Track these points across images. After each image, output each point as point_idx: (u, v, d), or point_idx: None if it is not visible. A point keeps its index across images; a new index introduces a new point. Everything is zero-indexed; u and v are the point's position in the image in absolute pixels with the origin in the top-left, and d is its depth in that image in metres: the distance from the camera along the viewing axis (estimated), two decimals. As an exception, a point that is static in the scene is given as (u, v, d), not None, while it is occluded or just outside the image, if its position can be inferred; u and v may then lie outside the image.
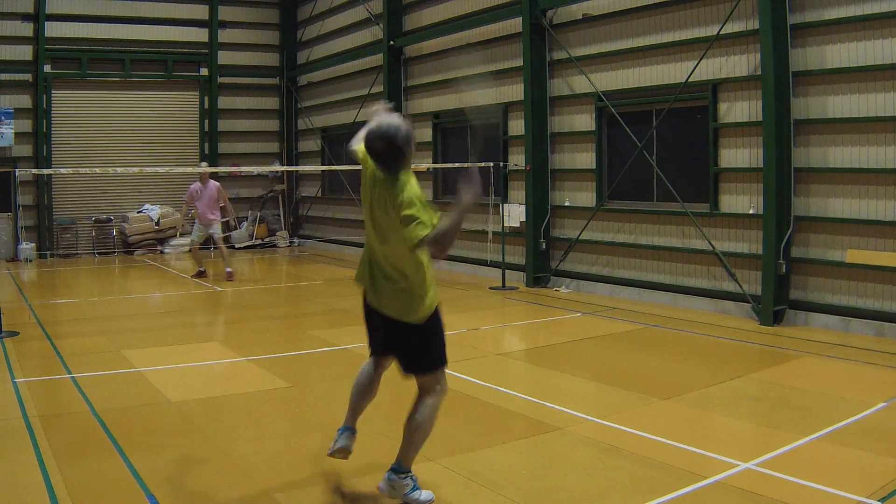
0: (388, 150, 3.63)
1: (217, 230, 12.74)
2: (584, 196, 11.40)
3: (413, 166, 3.86)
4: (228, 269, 12.75)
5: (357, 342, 7.96)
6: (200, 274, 13.06)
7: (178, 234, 16.73)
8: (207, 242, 13.71)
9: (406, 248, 3.61)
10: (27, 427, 5.14)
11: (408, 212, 3.54)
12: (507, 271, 11.89)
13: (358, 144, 3.97)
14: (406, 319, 3.76)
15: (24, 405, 5.63)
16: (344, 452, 4.10)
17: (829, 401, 5.77)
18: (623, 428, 5.10)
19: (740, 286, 9.13)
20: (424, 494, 3.90)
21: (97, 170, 15.47)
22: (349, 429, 4.13)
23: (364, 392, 4.15)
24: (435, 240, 3.50)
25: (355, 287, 4.03)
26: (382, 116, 3.80)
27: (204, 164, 15.50)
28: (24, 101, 16.33)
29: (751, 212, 9.08)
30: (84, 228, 17.09)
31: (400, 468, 3.87)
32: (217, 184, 12.80)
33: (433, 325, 3.84)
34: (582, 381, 6.31)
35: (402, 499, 3.88)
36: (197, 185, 12.70)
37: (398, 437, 3.93)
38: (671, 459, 4.56)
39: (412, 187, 3.63)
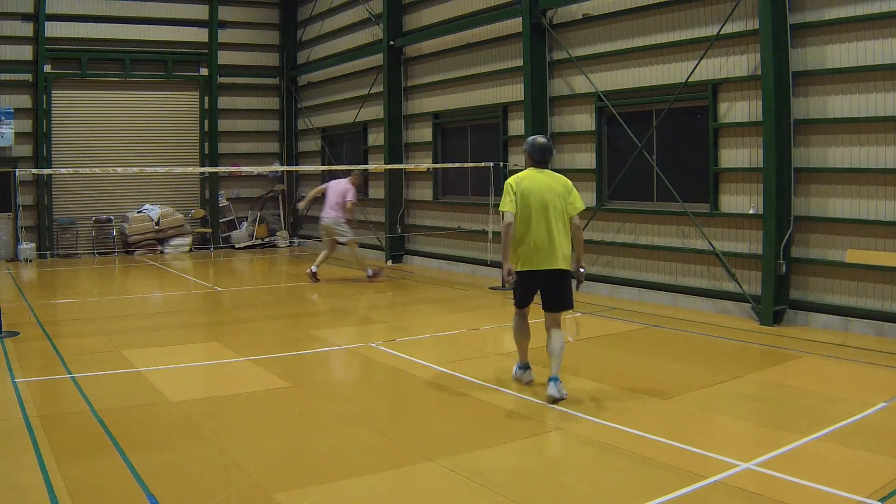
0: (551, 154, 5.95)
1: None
2: (584, 196, 11.24)
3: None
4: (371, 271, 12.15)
5: (357, 342, 8.01)
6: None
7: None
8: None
9: (567, 218, 5.74)
10: (27, 427, 5.13)
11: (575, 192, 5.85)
12: (507, 271, 11.87)
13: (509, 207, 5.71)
14: (569, 266, 5.75)
15: (24, 405, 5.64)
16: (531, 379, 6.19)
17: (829, 401, 5.77)
18: (623, 428, 5.10)
19: (740, 286, 9.13)
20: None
21: (97, 170, 15.46)
22: (528, 365, 6.25)
23: (527, 334, 6.16)
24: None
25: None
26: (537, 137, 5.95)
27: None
28: (24, 101, 16.33)
29: (751, 212, 9.08)
30: (84, 228, 17.08)
31: (558, 377, 5.70)
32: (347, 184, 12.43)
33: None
34: (582, 380, 6.30)
35: (563, 394, 5.66)
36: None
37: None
38: (671, 459, 4.56)
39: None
